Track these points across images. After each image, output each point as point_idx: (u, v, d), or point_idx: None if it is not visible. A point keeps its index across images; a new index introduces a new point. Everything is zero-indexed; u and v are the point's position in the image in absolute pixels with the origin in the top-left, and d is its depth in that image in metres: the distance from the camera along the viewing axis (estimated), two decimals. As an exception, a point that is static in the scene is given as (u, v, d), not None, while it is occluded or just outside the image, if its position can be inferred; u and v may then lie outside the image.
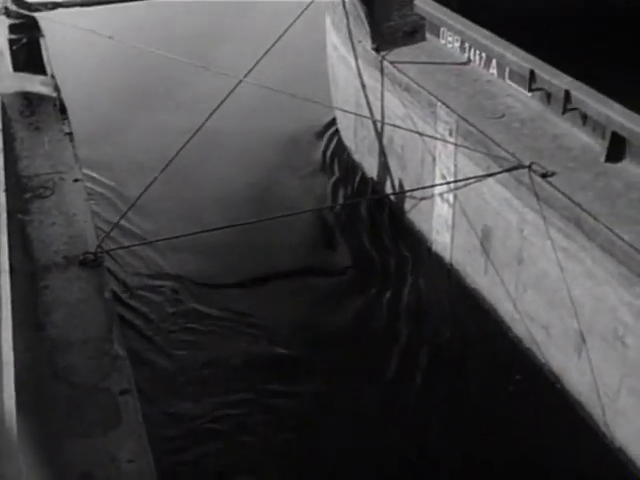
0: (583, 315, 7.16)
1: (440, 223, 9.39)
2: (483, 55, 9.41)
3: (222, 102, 7.91)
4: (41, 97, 8.88)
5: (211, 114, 7.76)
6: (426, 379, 8.34)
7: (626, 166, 7.46)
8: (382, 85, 10.27)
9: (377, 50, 10.33)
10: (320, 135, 13.36)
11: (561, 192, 7.26)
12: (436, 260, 9.67)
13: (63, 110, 8.68)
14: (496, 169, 7.96)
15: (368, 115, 10.79)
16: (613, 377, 6.87)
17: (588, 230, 6.95)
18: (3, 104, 8.13)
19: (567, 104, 7.99)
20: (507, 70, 8.98)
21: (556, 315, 7.55)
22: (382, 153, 10.67)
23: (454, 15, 9.93)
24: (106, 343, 5.41)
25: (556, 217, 7.29)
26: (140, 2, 11.36)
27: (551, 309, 7.62)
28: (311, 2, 10.28)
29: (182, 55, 10.25)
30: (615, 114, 7.40)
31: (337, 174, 12.21)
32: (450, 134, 8.82)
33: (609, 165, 7.52)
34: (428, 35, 10.50)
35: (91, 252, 6.34)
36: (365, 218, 10.99)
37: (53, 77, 9.34)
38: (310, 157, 12.81)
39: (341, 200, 11.60)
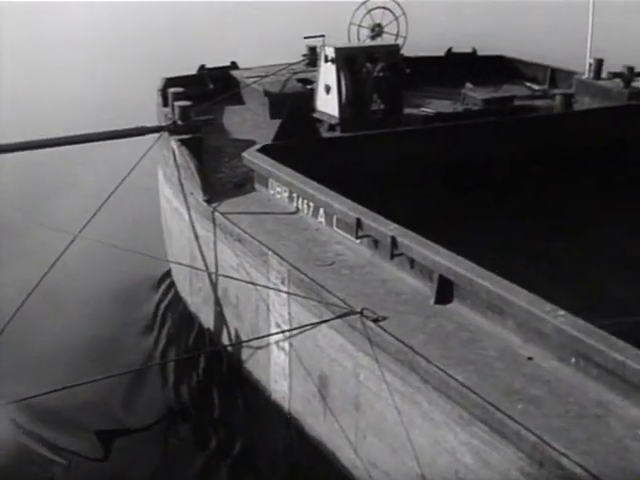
0: (424, 458, 7.13)
1: (277, 372, 9.30)
2: (311, 204, 9.60)
3: (57, 259, 7.78)
4: None
5: (48, 271, 7.60)
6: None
7: (455, 307, 7.62)
8: (215, 236, 10.29)
9: (208, 202, 10.39)
10: (156, 287, 13.22)
11: (393, 336, 7.31)
12: (275, 410, 9.52)
13: None
14: (329, 316, 7.98)
15: (202, 266, 10.74)
16: None
17: (422, 372, 6.99)
18: None
19: (394, 250, 8.18)
20: (335, 218, 9.17)
21: (397, 460, 7.49)
22: (218, 304, 10.59)
23: (281, 167, 10.15)
24: None
25: (390, 361, 7.32)
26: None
27: (392, 454, 7.56)
28: (145, 154, 10.41)
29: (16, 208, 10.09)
30: (440, 258, 7.62)
31: (173, 327, 12.03)
32: (283, 283, 8.84)
33: (439, 307, 7.67)
34: (257, 186, 10.66)
35: None
36: (202, 371, 10.80)
37: None
38: (146, 311, 12.60)
39: (177, 354, 11.40)
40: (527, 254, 11.18)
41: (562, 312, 6.73)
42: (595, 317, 8.83)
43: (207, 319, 11.07)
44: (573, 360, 6.62)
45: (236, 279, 9.56)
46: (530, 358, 6.90)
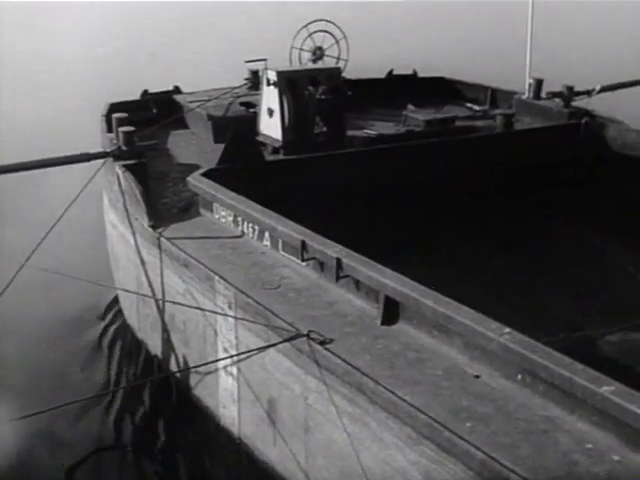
0: (374, 479, 7.14)
1: (226, 397, 9.26)
2: (256, 228, 9.62)
3: (4, 290, 7.69)
4: None
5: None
6: None
7: (402, 328, 7.67)
8: (161, 262, 10.24)
9: (154, 227, 10.35)
10: (103, 315, 13.13)
11: (340, 358, 7.34)
12: (224, 435, 9.48)
13: None
14: (276, 339, 7.98)
15: (149, 292, 10.69)
16: None
17: (370, 393, 7.02)
18: None
19: (339, 272, 8.22)
20: (280, 242, 9.19)
21: None
22: (165, 330, 10.54)
23: (225, 191, 10.16)
24: None
25: (338, 383, 7.33)
26: None
27: (342, 476, 7.57)
28: (90, 180, 10.36)
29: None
30: (386, 279, 7.67)
31: (121, 355, 11.93)
32: (230, 307, 8.83)
33: (385, 328, 7.71)
34: (202, 210, 10.66)
35: None
36: (150, 398, 10.72)
37: None
38: (93, 339, 12.50)
39: (124, 382, 11.31)
40: (472, 273, 11.31)
41: (507, 330, 6.80)
42: (542, 334, 8.96)
43: (155, 346, 11.00)
44: (519, 377, 6.68)
45: (183, 305, 9.53)
46: (477, 376, 6.96)
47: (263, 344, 8.22)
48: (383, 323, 7.76)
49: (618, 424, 5.89)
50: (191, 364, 9.97)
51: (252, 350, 8.38)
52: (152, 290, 10.60)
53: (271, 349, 8.08)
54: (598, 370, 6.20)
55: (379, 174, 11.47)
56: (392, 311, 7.73)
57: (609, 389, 5.93)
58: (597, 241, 12.38)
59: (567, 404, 6.30)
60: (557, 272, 11.61)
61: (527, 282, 11.26)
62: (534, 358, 6.46)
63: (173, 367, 10.54)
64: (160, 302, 10.49)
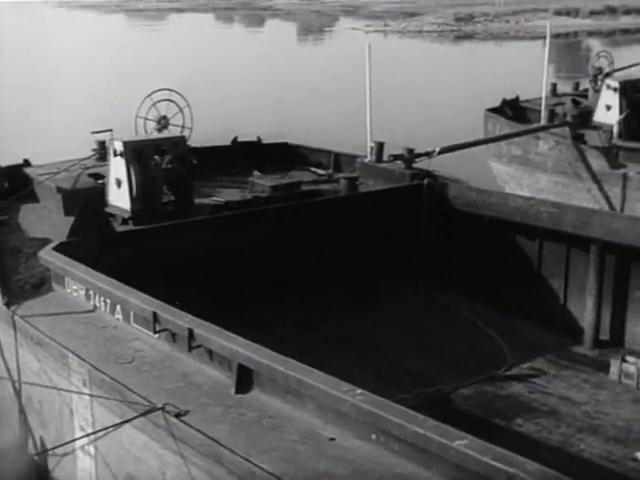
0: None
1: (84, 478, 9.15)
2: (108, 301, 9.60)
3: None
4: None
5: None
6: None
7: (256, 395, 7.80)
8: (16, 340, 10.10)
9: (7, 305, 10.22)
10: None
11: (196, 429, 7.40)
12: None
13: None
14: (132, 415, 7.98)
15: (5, 373, 10.49)
16: None
17: (227, 464, 7.10)
18: None
19: (192, 342, 8.29)
20: (132, 314, 9.21)
21: None
22: (22, 412, 10.34)
23: (76, 264, 10.11)
24: None
25: (195, 455, 7.39)
26: None
27: None
28: None
29: None
30: (238, 347, 7.80)
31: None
32: (84, 384, 8.78)
33: (240, 396, 7.83)
34: (55, 285, 10.58)
35: None
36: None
37: None
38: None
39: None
40: (324, 335, 11.54)
41: (359, 390, 6.98)
42: (395, 391, 9.28)
43: (13, 428, 10.75)
44: (374, 437, 6.84)
45: (38, 385, 9.41)
46: (332, 439, 7.11)
47: (119, 420, 8.20)
48: (237, 392, 7.87)
49: (475, 477, 6.05)
50: (49, 446, 9.81)
51: (107, 428, 8.35)
52: (8, 371, 10.41)
53: (127, 425, 8.07)
54: (452, 424, 6.42)
55: (227, 240, 11.64)
56: (245, 379, 7.86)
57: (462, 443, 6.11)
58: (444, 297, 12.82)
59: (423, 460, 6.45)
60: (407, 329, 11.94)
61: (378, 341, 11.54)
62: (387, 417, 6.63)
63: (31, 450, 10.33)
64: (16, 383, 10.30)
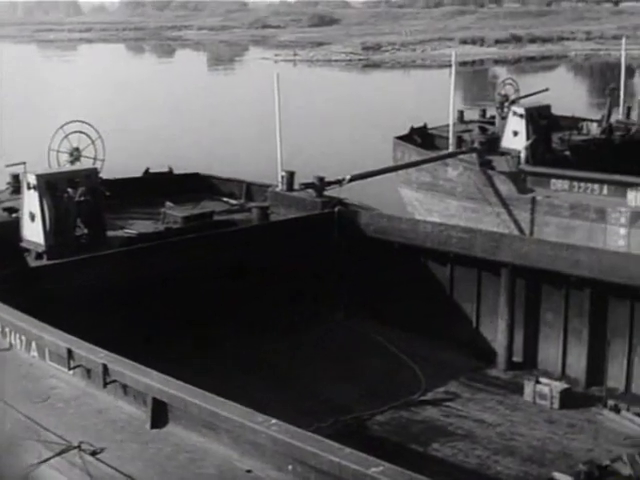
0: None
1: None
2: (23, 338, 9.45)
3: None
4: None
5: None
6: None
7: (172, 429, 7.76)
8: None
9: None
10: None
11: (112, 467, 7.33)
12: None
13: None
14: (48, 454, 7.86)
15: None
16: None
17: None
18: None
19: (106, 377, 8.20)
20: (47, 351, 9.08)
21: None
22: None
23: None
24: None
25: None
26: None
27: None
28: None
29: None
30: (152, 381, 7.76)
31: None
32: (-2, 424, 8.61)
33: (156, 431, 7.78)
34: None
35: None
36: None
37: None
38: None
39: None
40: (242, 365, 11.53)
41: (274, 421, 7.00)
42: (312, 420, 9.32)
43: None
44: (290, 467, 6.85)
45: None
46: (249, 471, 7.11)
47: (35, 461, 8.06)
48: (153, 426, 7.82)
49: None
50: None
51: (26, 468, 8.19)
52: None
53: (43, 466, 7.94)
54: (369, 451, 6.47)
55: (141, 273, 11.58)
56: (160, 413, 7.82)
57: (378, 470, 6.17)
58: (358, 324, 12.95)
59: None
60: (323, 357, 12.01)
61: (294, 369, 11.58)
62: (302, 447, 6.65)
63: None
64: None
